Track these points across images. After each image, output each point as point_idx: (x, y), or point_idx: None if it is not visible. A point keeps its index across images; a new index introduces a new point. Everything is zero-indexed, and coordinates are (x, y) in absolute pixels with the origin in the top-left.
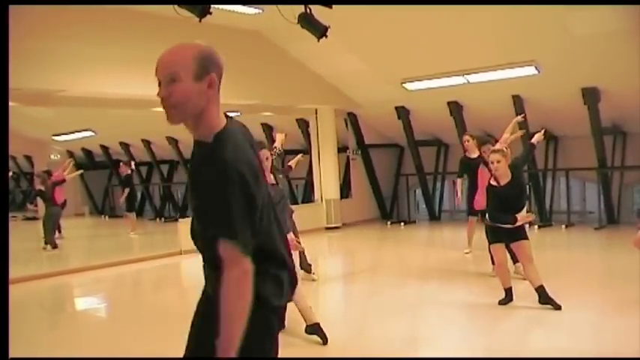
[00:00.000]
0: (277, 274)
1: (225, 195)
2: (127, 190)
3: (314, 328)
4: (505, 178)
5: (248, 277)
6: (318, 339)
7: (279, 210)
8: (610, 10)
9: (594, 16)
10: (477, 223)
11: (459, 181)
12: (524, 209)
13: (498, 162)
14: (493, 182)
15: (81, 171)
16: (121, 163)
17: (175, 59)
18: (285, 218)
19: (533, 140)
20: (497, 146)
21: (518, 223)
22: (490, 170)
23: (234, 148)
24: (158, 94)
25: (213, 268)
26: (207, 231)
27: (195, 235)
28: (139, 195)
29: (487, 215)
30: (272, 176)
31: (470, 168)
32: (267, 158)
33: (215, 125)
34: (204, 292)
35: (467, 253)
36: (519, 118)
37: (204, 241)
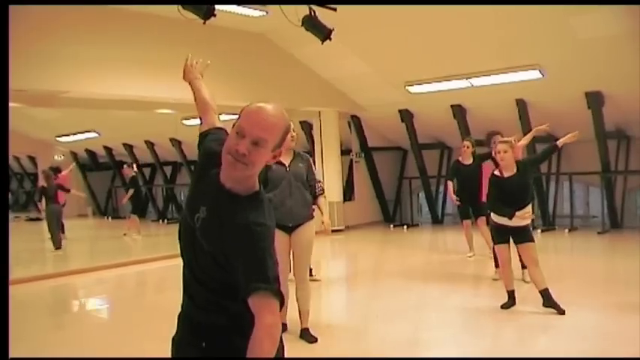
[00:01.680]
0: None
1: (264, 247)
2: (131, 191)
3: (304, 333)
4: (509, 170)
5: (280, 326)
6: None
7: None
8: (614, 14)
9: (598, 19)
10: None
11: (449, 183)
12: (529, 209)
13: (505, 152)
14: (497, 172)
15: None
16: (125, 166)
17: (271, 127)
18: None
19: (559, 142)
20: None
21: (515, 221)
22: (495, 162)
23: (269, 212)
24: (236, 142)
25: (222, 314)
26: (230, 276)
27: (197, 273)
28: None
29: (487, 205)
30: None
31: (459, 174)
32: (292, 138)
33: (253, 184)
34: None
35: (470, 256)
36: (544, 127)
37: (217, 286)
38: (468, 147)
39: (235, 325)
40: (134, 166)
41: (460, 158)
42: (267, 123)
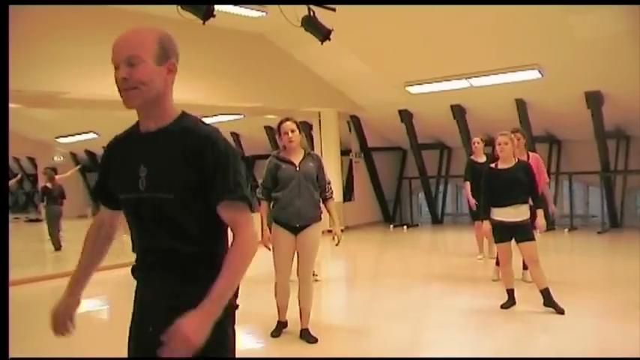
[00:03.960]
0: None
1: (231, 159)
2: None
3: (304, 333)
4: (507, 162)
5: (256, 240)
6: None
7: None
8: (614, 14)
9: (598, 19)
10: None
11: (467, 184)
12: (524, 208)
13: (506, 144)
14: (492, 165)
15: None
16: None
17: (137, 41)
18: None
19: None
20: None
21: (509, 215)
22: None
23: (205, 124)
24: (116, 77)
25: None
26: (199, 202)
27: (155, 217)
28: None
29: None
30: None
31: (474, 172)
32: (292, 131)
33: (173, 111)
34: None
35: (480, 259)
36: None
37: (186, 219)
38: (478, 142)
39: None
40: None
41: (473, 156)
42: (128, 40)
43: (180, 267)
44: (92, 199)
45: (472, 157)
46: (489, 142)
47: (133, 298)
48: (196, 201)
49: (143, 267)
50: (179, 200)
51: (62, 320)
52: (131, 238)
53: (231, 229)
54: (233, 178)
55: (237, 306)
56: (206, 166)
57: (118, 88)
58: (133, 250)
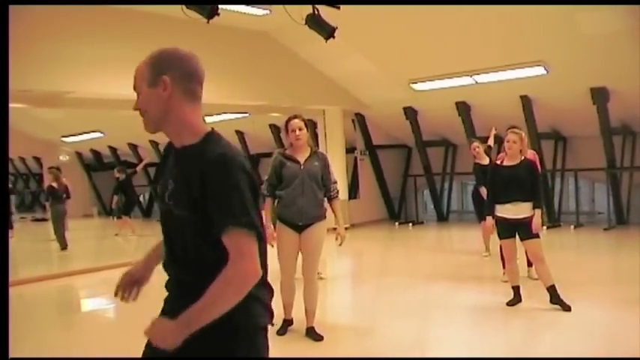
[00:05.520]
0: (259, 295)
1: (236, 184)
2: (115, 198)
3: (309, 331)
4: (513, 160)
5: (256, 278)
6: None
7: None
8: (619, 10)
9: (603, 15)
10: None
11: (483, 189)
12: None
13: (514, 142)
14: (497, 162)
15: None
16: (115, 170)
17: (137, 72)
18: None
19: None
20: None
21: (513, 212)
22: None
23: (229, 145)
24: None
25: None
26: (211, 228)
27: (178, 245)
28: (147, 196)
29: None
30: None
31: (486, 174)
32: (300, 129)
33: (199, 128)
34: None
35: (485, 256)
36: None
37: (204, 244)
38: (478, 147)
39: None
40: (123, 169)
41: (477, 160)
42: (134, 74)
43: (187, 285)
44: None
45: (477, 161)
46: (498, 141)
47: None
48: (207, 224)
49: (166, 272)
50: (192, 220)
51: (130, 286)
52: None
53: (230, 258)
54: (239, 204)
55: (261, 325)
56: (209, 190)
57: None
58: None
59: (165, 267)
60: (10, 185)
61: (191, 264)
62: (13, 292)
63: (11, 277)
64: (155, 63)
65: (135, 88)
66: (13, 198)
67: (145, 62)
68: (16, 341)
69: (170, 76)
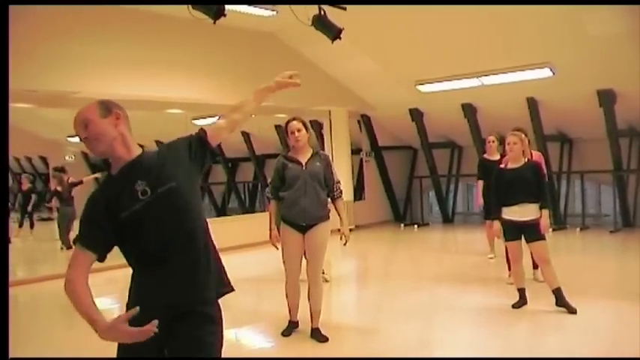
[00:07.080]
0: None
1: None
2: None
3: (314, 332)
4: (516, 162)
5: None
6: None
7: None
8: (626, 11)
9: (610, 16)
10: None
11: (479, 183)
12: (533, 207)
13: (515, 144)
14: (501, 165)
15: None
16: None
17: (82, 114)
18: None
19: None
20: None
21: (519, 214)
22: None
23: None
24: (82, 141)
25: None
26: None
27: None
28: None
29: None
30: None
31: (486, 170)
32: (298, 130)
33: (132, 148)
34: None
35: (490, 258)
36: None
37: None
38: (493, 141)
39: None
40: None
41: (486, 155)
42: (77, 118)
43: (204, 253)
44: None
45: (485, 155)
46: (501, 141)
47: None
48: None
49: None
50: (196, 190)
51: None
52: None
53: None
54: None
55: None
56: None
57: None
58: None
59: (165, 260)
60: (30, 185)
61: (201, 230)
62: (18, 291)
63: (17, 277)
64: (103, 103)
65: (81, 126)
66: (33, 197)
67: (91, 106)
68: (22, 341)
69: (120, 112)
